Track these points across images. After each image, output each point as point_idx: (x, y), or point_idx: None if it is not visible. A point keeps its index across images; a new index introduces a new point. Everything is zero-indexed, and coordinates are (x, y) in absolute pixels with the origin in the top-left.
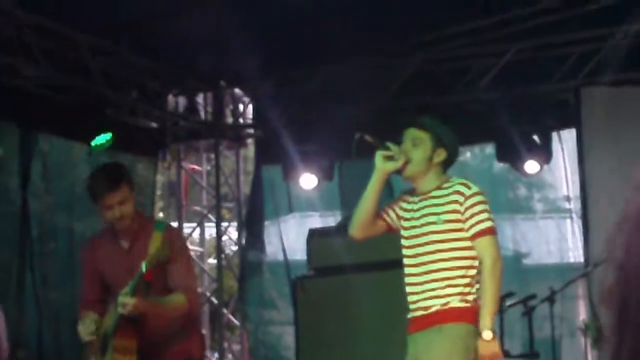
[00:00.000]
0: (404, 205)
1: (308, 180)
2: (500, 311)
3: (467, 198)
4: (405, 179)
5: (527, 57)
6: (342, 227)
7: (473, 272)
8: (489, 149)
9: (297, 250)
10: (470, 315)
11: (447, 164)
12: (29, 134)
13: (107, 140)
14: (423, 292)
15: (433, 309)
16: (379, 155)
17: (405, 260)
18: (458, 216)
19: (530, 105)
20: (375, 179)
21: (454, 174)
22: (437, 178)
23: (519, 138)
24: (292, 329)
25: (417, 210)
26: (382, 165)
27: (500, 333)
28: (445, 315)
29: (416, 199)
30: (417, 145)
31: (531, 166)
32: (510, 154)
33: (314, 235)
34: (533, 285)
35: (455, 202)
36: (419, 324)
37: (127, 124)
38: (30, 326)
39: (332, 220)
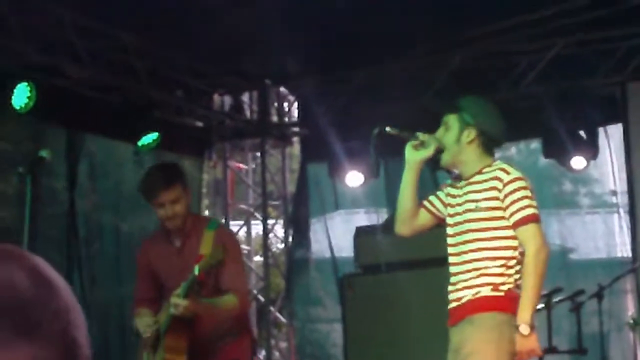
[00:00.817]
0: (452, 191)
1: (354, 178)
2: (548, 307)
3: (505, 184)
4: (446, 168)
5: (573, 53)
6: (389, 225)
7: (512, 262)
8: (534, 144)
9: (344, 248)
10: (503, 303)
11: (487, 145)
12: (76, 135)
13: (154, 140)
14: (457, 282)
15: (464, 300)
16: (408, 146)
17: (449, 250)
18: (498, 203)
19: (576, 100)
20: (407, 170)
21: None
22: (478, 161)
23: (566, 134)
24: (339, 327)
25: (462, 196)
26: (411, 155)
27: (548, 328)
28: (475, 306)
29: (461, 184)
30: (448, 129)
31: (578, 162)
32: (557, 150)
33: (361, 233)
34: (580, 280)
35: (494, 188)
36: (453, 317)
37: (173, 124)
38: None
39: (377, 217)
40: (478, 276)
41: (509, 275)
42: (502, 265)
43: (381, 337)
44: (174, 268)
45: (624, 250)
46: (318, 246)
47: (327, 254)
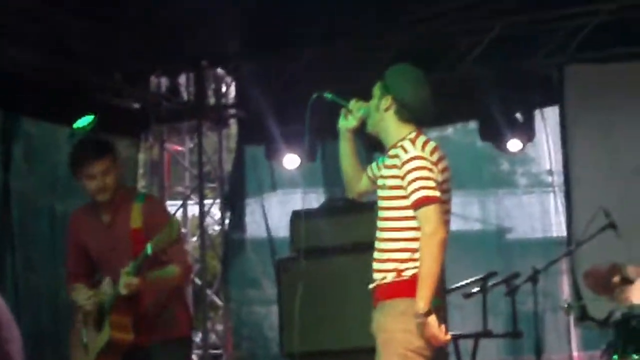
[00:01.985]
0: (385, 160)
1: (291, 160)
2: (484, 291)
3: (403, 163)
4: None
5: (511, 34)
6: (326, 208)
7: (415, 244)
8: (472, 124)
9: (280, 228)
10: (406, 289)
11: (403, 114)
12: (11, 117)
13: (90, 122)
14: (373, 261)
15: (375, 284)
16: (341, 115)
17: None
18: (398, 182)
19: (513, 82)
20: (340, 139)
21: None
22: (395, 133)
23: (502, 116)
24: (276, 309)
25: (381, 169)
26: (342, 124)
27: (483, 312)
28: (382, 292)
29: (385, 156)
30: (372, 98)
31: (514, 144)
32: (493, 133)
33: (297, 217)
34: (517, 260)
35: (395, 166)
36: (372, 300)
37: (110, 106)
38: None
39: (315, 198)
40: (385, 260)
41: (414, 260)
42: (404, 249)
43: (317, 321)
44: (103, 244)
45: (559, 230)
46: (255, 227)
47: (264, 235)
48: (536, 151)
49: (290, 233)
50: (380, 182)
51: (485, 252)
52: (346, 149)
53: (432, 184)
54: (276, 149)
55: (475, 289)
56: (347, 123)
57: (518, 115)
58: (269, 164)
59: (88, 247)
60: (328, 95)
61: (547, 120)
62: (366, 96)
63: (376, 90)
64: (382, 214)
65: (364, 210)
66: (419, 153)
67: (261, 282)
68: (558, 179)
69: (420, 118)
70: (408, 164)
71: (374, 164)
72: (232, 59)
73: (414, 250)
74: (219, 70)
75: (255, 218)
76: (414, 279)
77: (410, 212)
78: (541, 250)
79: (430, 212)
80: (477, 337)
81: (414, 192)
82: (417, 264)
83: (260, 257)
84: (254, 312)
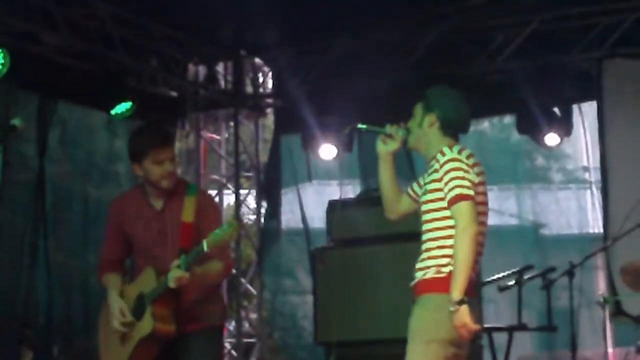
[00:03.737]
0: (425, 175)
1: (327, 151)
2: (519, 284)
3: (442, 165)
4: (413, 152)
5: (550, 28)
6: (362, 199)
7: (451, 242)
8: (508, 119)
9: (315, 219)
10: (444, 285)
11: (446, 129)
12: (48, 101)
13: (127, 109)
14: (417, 262)
15: (416, 281)
16: (378, 141)
17: None
18: (438, 185)
19: (551, 77)
20: (380, 163)
21: (472, 143)
22: (437, 145)
23: (540, 110)
24: (310, 298)
25: (425, 178)
26: (381, 148)
27: (518, 305)
28: (422, 287)
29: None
30: (414, 117)
31: (551, 138)
32: (531, 126)
33: (334, 207)
34: (552, 256)
35: (435, 170)
36: (412, 296)
37: (146, 93)
38: (41, 294)
39: (351, 189)
40: (427, 258)
41: (452, 257)
42: (443, 246)
43: (352, 311)
44: (151, 230)
45: (596, 226)
46: (290, 217)
47: (300, 225)
48: (572, 146)
49: (326, 222)
50: (425, 187)
51: (521, 247)
52: (387, 172)
53: (467, 183)
54: (313, 139)
55: (511, 282)
56: (387, 147)
57: (556, 110)
58: (305, 154)
59: (131, 233)
60: (363, 127)
61: (585, 115)
62: (404, 89)
63: (418, 110)
64: (424, 216)
65: None
66: (455, 156)
67: (295, 271)
68: (595, 176)
69: (461, 130)
70: (446, 165)
71: (414, 184)
72: (270, 49)
73: (450, 247)
74: (257, 60)
75: (291, 208)
76: (450, 276)
77: (446, 213)
78: (577, 246)
79: (463, 208)
80: (511, 330)
81: (450, 190)
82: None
83: (295, 247)
84: (288, 302)
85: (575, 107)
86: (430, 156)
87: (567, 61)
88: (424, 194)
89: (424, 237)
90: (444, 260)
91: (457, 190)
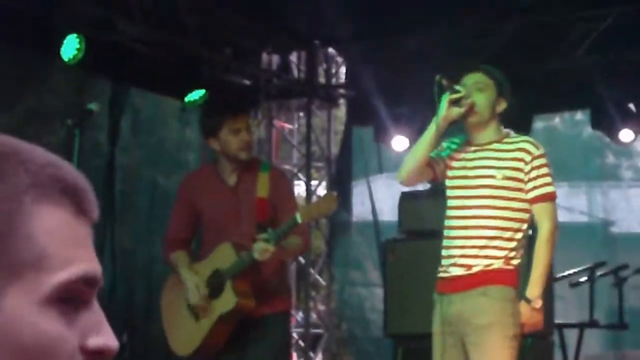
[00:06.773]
0: (456, 155)
1: (399, 143)
2: (591, 280)
3: (534, 158)
4: (468, 127)
5: (626, 23)
6: (434, 191)
7: (520, 235)
8: (579, 115)
9: (385, 211)
10: (513, 278)
11: (505, 118)
12: (121, 89)
13: (201, 97)
14: (464, 247)
15: (476, 269)
16: (444, 99)
17: (449, 212)
18: (520, 175)
19: (627, 72)
20: (433, 127)
21: (542, 138)
22: (497, 130)
23: (615, 106)
24: (378, 291)
25: (471, 160)
26: (447, 111)
27: (590, 302)
28: (489, 277)
29: (471, 148)
30: (482, 91)
31: (626, 135)
32: (605, 122)
33: (406, 198)
34: (621, 253)
35: (521, 160)
36: (458, 284)
37: (220, 81)
38: (105, 280)
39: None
40: (492, 247)
41: (518, 250)
42: (510, 238)
43: (422, 304)
44: (224, 205)
45: None
46: (360, 209)
47: (370, 218)
48: None
49: (398, 214)
50: (487, 172)
51: (590, 244)
52: (432, 138)
53: (553, 183)
54: (385, 131)
55: (583, 279)
56: (453, 111)
57: (631, 106)
58: (377, 145)
59: (203, 209)
60: (442, 81)
61: None
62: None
63: (489, 87)
64: (484, 202)
65: None
66: (544, 152)
67: (365, 263)
68: None
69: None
70: (541, 159)
71: (439, 158)
72: (343, 40)
73: (518, 240)
74: (330, 50)
75: (361, 200)
76: (517, 270)
77: (522, 204)
78: None
79: (552, 208)
80: (582, 327)
81: (544, 186)
82: (519, 254)
83: (365, 239)
84: (356, 294)
85: None
86: (485, 140)
87: None
88: (483, 177)
89: (483, 222)
90: (512, 253)
91: (551, 188)
